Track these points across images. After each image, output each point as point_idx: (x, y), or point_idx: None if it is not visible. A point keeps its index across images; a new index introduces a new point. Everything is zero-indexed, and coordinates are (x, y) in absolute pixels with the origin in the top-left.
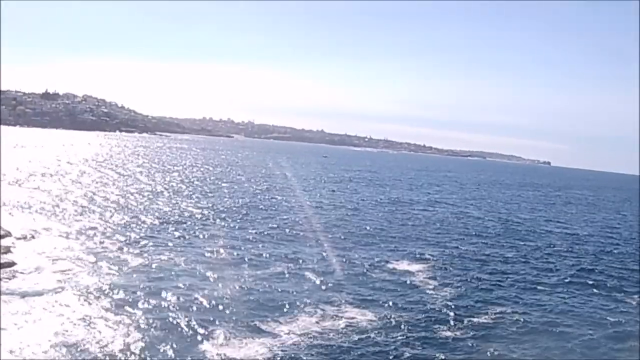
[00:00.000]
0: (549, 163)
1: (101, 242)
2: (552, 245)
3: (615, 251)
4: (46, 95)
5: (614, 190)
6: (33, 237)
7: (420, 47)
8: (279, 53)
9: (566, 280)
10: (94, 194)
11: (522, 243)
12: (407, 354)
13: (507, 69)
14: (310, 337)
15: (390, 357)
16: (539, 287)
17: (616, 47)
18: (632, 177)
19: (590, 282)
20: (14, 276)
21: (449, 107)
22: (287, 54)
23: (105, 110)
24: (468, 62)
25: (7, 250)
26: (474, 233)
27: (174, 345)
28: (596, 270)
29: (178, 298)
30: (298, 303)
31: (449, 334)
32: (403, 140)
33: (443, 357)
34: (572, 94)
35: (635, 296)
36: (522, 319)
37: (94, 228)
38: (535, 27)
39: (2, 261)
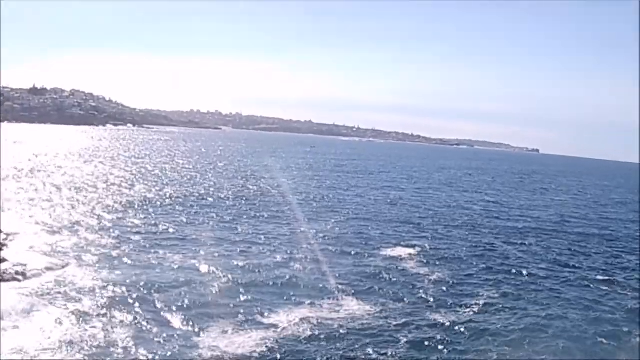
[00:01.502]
0: (537, 151)
1: (90, 238)
2: (543, 232)
3: (607, 238)
4: (34, 91)
5: (602, 178)
6: (24, 233)
7: (408, 36)
8: (267, 44)
9: (556, 268)
10: (82, 189)
11: (512, 231)
12: (402, 341)
13: (495, 57)
14: (307, 328)
15: (386, 345)
16: (530, 274)
17: (604, 34)
18: (620, 164)
19: (582, 270)
20: (4, 273)
21: (437, 96)
22: (275, 45)
23: (94, 105)
24: (456, 51)
25: None
26: (464, 220)
27: (169, 340)
28: (587, 258)
29: (172, 292)
30: (293, 293)
31: (442, 320)
32: (391, 129)
33: (437, 344)
34: (560, 82)
35: (624, 279)
36: (513, 306)
37: (83, 223)
38: (523, 16)
39: None
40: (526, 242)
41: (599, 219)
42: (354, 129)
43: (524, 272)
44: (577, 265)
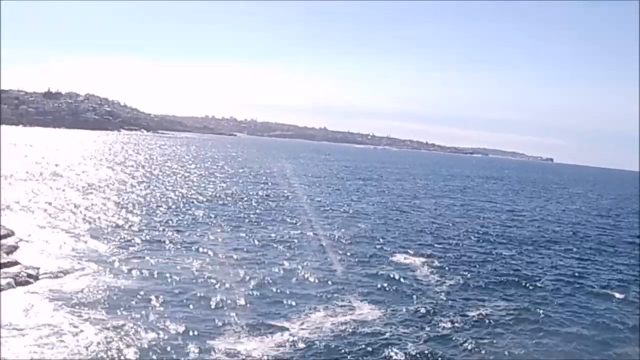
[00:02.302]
0: (551, 159)
1: (102, 242)
2: (556, 242)
3: (620, 248)
4: (48, 95)
5: (617, 188)
6: (36, 236)
7: (424, 44)
8: (282, 51)
9: (568, 279)
10: (97, 193)
11: (525, 240)
12: (413, 348)
13: (509, 65)
14: (320, 332)
15: (397, 351)
16: (542, 286)
17: (618, 42)
18: (624, 173)
19: (590, 279)
20: (17, 275)
21: (451, 104)
22: (290, 52)
23: (108, 109)
24: (470, 59)
25: (10, 249)
26: (477, 229)
27: (185, 344)
28: (600, 269)
29: (184, 297)
30: (305, 298)
31: (452, 328)
32: (406, 137)
33: (446, 350)
34: (574, 90)
35: (634, 292)
36: (523, 317)
37: (97, 227)
38: (537, 23)
39: (4, 261)
40: (539, 252)
41: (613, 228)
42: (369, 137)
43: (537, 284)
44: (588, 277)
